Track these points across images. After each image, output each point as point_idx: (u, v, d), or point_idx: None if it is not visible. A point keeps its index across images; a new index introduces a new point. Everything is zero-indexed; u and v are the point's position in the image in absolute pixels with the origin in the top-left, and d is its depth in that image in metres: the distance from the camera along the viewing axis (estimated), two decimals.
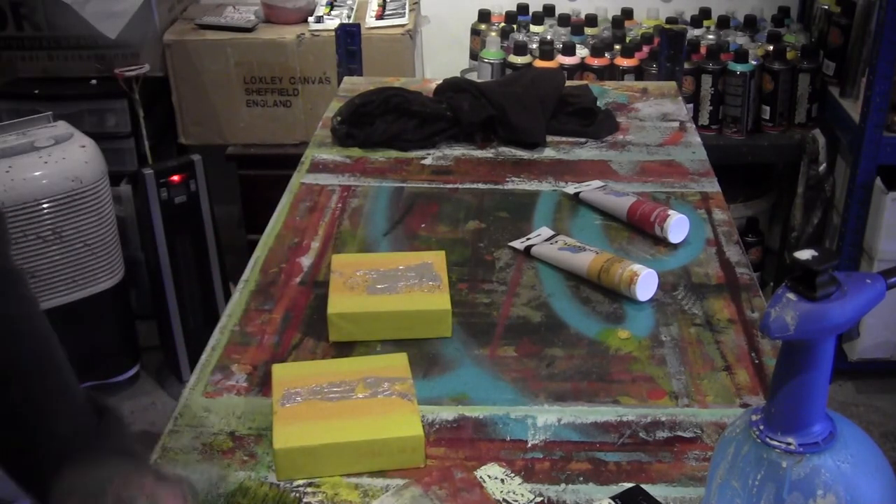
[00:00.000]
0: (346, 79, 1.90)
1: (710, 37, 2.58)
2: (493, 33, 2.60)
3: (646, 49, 2.51)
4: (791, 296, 0.66)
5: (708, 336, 1.12)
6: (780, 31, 2.59)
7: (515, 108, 1.60)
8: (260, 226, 1.38)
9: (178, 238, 2.37)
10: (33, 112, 2.36)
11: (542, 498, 0.89)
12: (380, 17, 2.58)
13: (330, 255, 1.27)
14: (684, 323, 1.14)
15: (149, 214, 2.32)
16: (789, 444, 0.70)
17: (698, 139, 1.62)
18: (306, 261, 1.28)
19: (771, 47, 2.50)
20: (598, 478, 0.91)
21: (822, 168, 2.50)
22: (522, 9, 2.71)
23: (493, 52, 2.50)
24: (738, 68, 2.45)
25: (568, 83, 1.77)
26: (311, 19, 2.56)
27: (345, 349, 1.10)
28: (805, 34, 2.62)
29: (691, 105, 2.46)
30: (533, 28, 2.65)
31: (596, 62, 2.44)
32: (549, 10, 2.73)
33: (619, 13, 2.72)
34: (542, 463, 0.93)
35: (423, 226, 1.37)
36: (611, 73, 2.44)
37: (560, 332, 1.13)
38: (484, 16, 2.70)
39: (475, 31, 2.68)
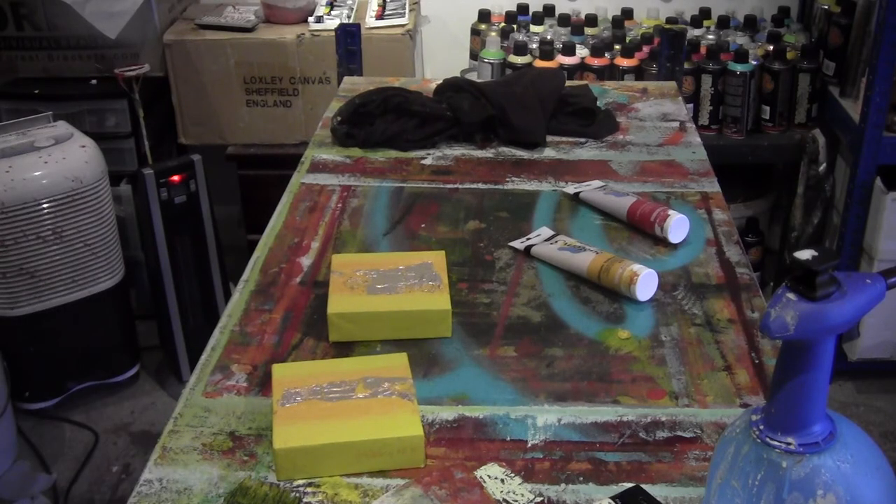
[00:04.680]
0: (346, 79, 1.90)
1: (710, 37, 2.58)
2: (493, 33, 2.60)
3: (646, 49, 2.51)
4: (791, 296, 0.66)
5: (708, 336, 1.12)
6: (780, 31, 2.59)
7: (515, 108, 1.60)
8: (260, 226, 1.38)
9: (178, 238, 2.37)
10: (33, 112, 2.36)
11: (542, 498, 0.89)
12: (380, 17, 2.58)
13: (330, 255, 1.27)
14: (684, 323, 1.14)
15: (149, 214, 2.32)
16: (789, 444, 0.70)
17: (698, 139, 1.62)
18: (306, 261, 1.28)
19: (771, 47, 2.50)
20: (598, 478, 0.91)
21: (822, 168, 2.50)
22: (522, 9, 2.71)
23: (493, 52, 2.50)
24: (738, 68, 2.45)
25: (568, 83, 1.77)
26: (311, 19, 2.56)
27: (345, 349, 1.10)
28: (805, 34, 2.62)
29: (691, 105, 2.46)
30: (533, 28, 2.66)
31: (596, 62, 2.44)
32: (549, 10, 2.73)
33: (619, 13, 2.72)
34: (542, 463, 0.93)
35: (423, 226, 1.37)
36: (611, 73, 2.44)
37: (560, 332, 1.13)
38: (484, 16, 2.70)
39: (475, 31, 2.68)
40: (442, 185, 1.47)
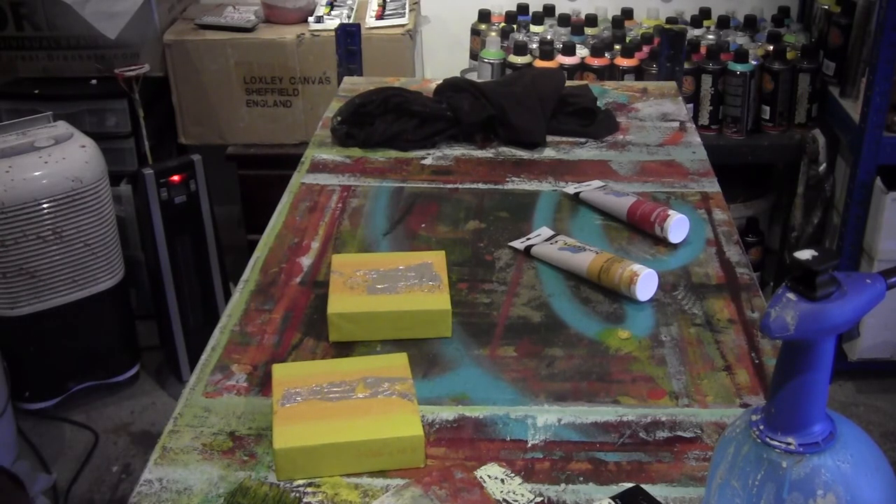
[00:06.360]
0: (346, 79, 1.90)
1: (710, 37, 2.58)
2: (493, 33, 2.60)
3: (646, 49, 2.51)
4: (791, 296, 0.66)
5: (708, 336, 1.12)
6: (780, 31, 2.59)
7: (515, 108, 1.60)
8: (260, 226, 1.38)
9: (178, 238, 2.37)
10: (33, 112, 2.36)
11: (542, 498, 0.89)
12: (380, 17, 2.58)
13: (330, 255, 1.27)
14: (684, 323, 1.14)
15: (149, 214, 2.32)
16: (789, 444, 0.70)
17: (698, 139, 1.62)
18: (306, 261, 1.28)
19: (771, 47, 2.50)
20: (598, 478, 0.91)
21: (822, 168, 2.50)
22: (522, 9, 2.71)
23: (493, 52, 2.50)
24: (738, 68, 2.45)
25: (568, 83, 1.77)
26: (311, 19, 2.56)
27: (345, 349, 1.10)
28: (805, 34, 2.62)
29: (691, 105, 2.46)
30: (533, 28, 2.66)
31: (596, 62, 2.44)
32: (549, 10, 2.73)
33: (619, 13, 2.72)
34: (542, 463, 0.93)
35: (423, 226, 1.37)
36: (611, 73, 2.44)
37: (560, 332, 1.13)
38: (484, 16, 2.70)
39: (475, 31, 2.68)
40: (442, 185, 1.47)
